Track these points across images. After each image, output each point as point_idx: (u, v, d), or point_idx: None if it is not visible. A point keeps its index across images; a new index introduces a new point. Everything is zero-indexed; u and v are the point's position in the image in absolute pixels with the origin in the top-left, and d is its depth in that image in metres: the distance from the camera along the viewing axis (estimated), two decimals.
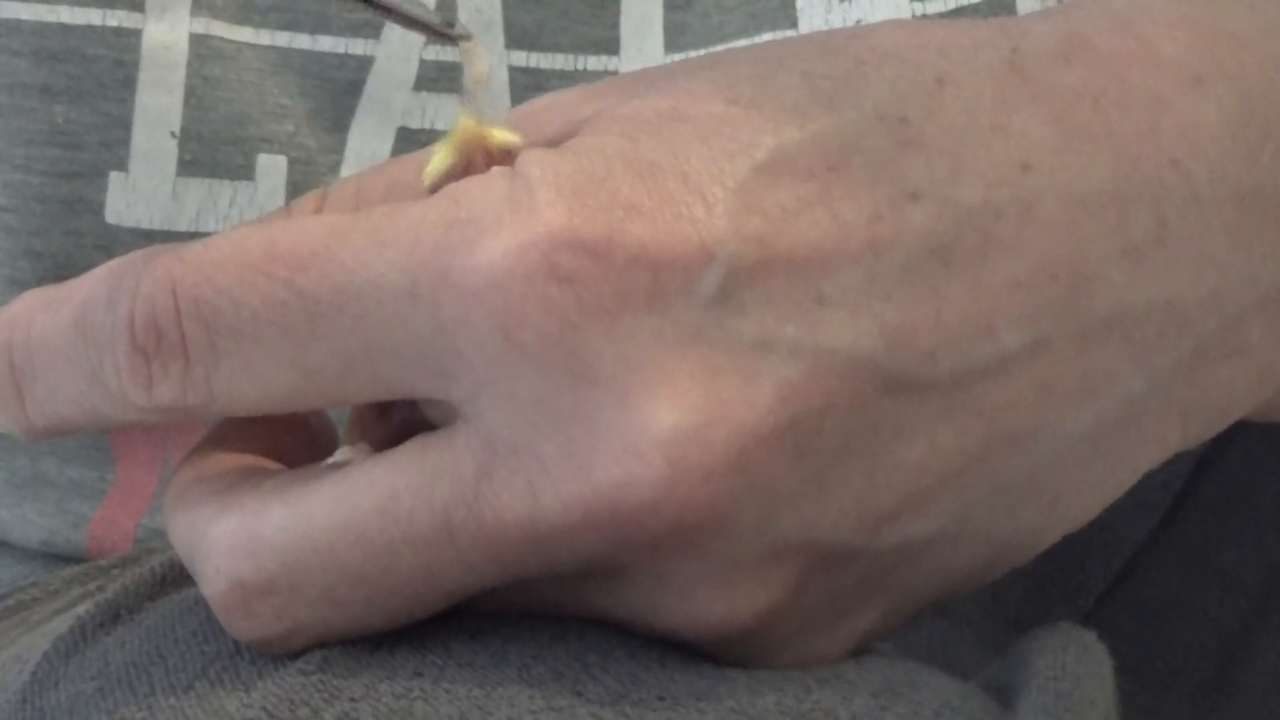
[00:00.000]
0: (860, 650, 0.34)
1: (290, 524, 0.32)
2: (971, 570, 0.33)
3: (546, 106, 0.34)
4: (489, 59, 0.33)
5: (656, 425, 0.30)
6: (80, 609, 0.37)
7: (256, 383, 0.32)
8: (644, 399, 0.30)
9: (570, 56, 0.45)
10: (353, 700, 0.31)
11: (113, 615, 0.36)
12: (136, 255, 0.33)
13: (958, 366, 0.31)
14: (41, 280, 0.45)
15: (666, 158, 0.31)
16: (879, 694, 0.31)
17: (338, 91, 0.45)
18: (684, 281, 0.30)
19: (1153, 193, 0.32)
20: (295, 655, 0.33)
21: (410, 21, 0.33)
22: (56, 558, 0.48)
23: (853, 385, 0.31)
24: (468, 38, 0.33)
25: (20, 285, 0.45)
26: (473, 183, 0.31)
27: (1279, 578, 0.52)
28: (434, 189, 0.33)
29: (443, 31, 0.33)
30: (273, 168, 0.45)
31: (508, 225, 0.30)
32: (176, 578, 0.37)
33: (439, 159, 0.33)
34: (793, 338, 0.31)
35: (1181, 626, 0.53)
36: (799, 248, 0.31)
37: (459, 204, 0.31)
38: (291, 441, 0.36)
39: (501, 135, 0.33)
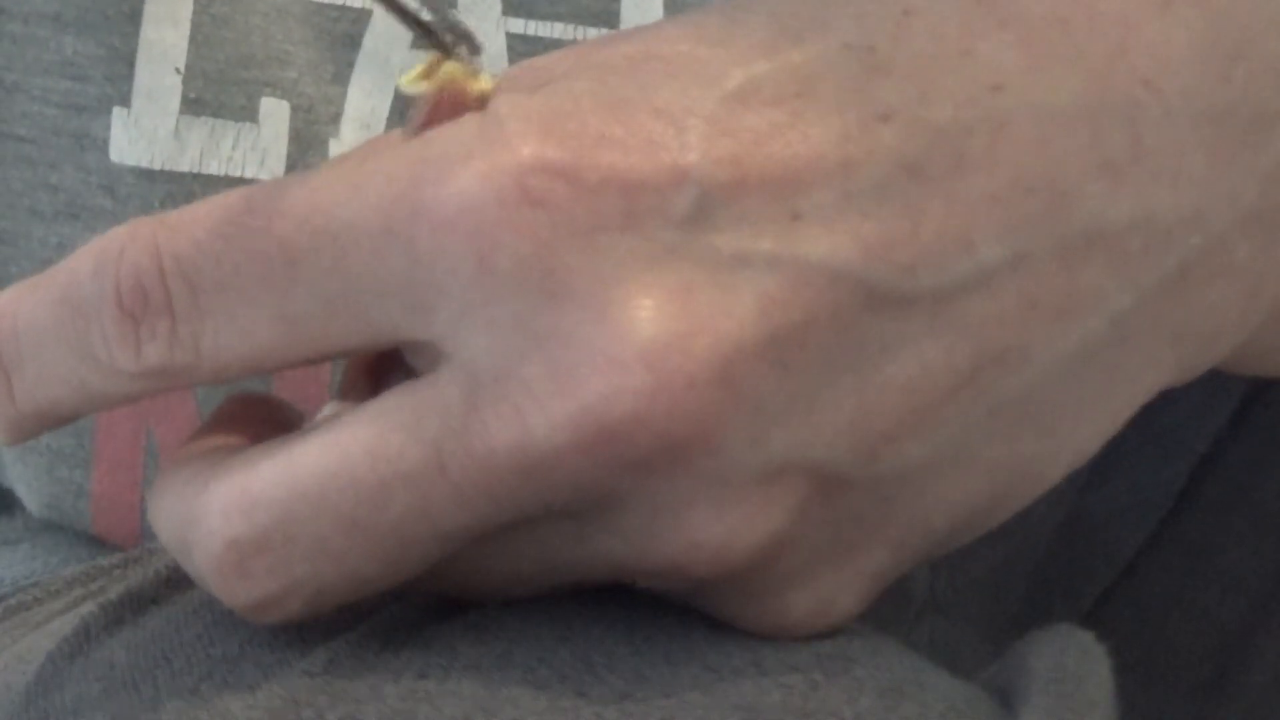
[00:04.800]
0: (874, 594, 0.34)
1: (280, 476, 0.32)
2: (976, 503, 0.34)
3: (524, 68, 0.35)
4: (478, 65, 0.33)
5: (636, 336, 0.30)
6: (84, 609, 0.37)
7: (242, 335, 0.32)
8: (622, 312, 0.30)
9: (569, 26, 0.45)
10: (357, 702, 0.32)
11: (117, 617, 0.36)
12: (119, 228, 0.33)
13: (939, 281, 0.32)
14: (59, 215, 0.45)
15: (637, 93, 0.31)
16: (885, 693, 0.31)
17: (337, 44, 0.45)
18: (658, 201, 0.31)
19: (1126, 110, 0.33)
20: (300, 655, 0.33)
21: (413, 21, 0.33)
22: (64, 531, 0.48)
23: (833, 298, 0.31)
24: (461, 49, 0.33)
25: (40, 218, 0.45)
26: (444, 126, 0.32)
27: (1279, 577, 0.52)
28: (410, 108, 0.33)
29: (442, 40, 0.33)
30: (276, 111, 0.45)
31: (478, 156, 0.31)
32: (181, 579, 0.37)
33: (416, 79, 0.33)
34: (770, 251, 0.31)
35: (1181, 626, 0.53)
36: (771, 167, 0.31)
37: (430, 143, 0.31)
38: (273, 436, 0.36)
39: (482, 82, 0.33)
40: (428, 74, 0.33)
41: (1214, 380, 0.37)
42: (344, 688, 0.32)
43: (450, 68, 0.33)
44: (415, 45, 0.46)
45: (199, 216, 0.32)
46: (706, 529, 0.31)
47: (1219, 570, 0.53)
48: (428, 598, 0.34)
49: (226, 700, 0.32)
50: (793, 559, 0.32)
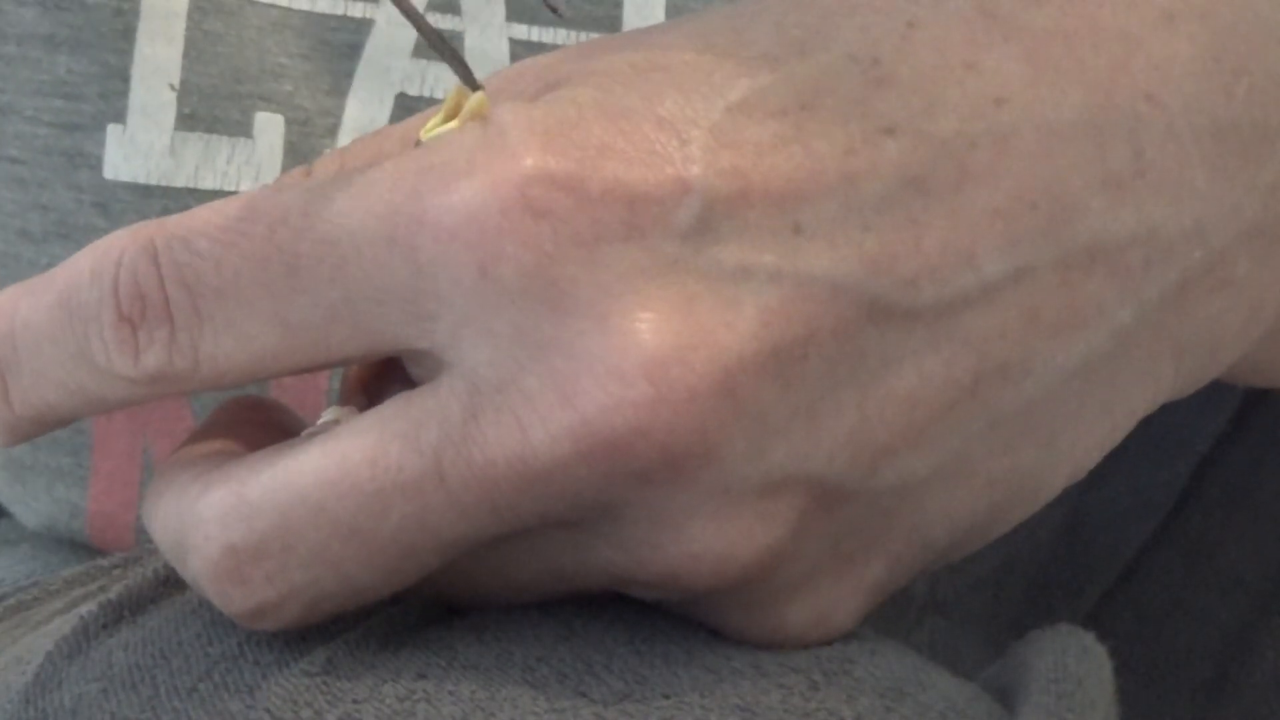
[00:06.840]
0: (872, 606, 0.34)
1: (279, 483, 0.32)
2: (975, 516, 0.34)
3: (525, 68, 0.35)
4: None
5: (638, 348, 0.30)
6: (83, 609, 0.37)
7: (241, 342, 0.32)
8: (624, 324, 0.30)
9: (572, 33, 0.45)
10: (356, 702, 0.32)
11: (116, 616, 0.36)
12: (120, 232, 0.33)
13: (941, 294, 0.32)
14: (50, 235, 0.45)
15: (640, 103, 0.31)
16: (885, 693, 0.31)
17: (336, 55, 0.45)
18: (660, 213, 0.31)
19: (1128, 125, 0.33)
20: (299, 655, 0.33)
21: (450, 57, 0.33)
22: (61, 542, 0.48)
23: (835, 311, 0.31)
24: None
25: (30, 239, 0.45)
26: (447, 134, 0.32)
27: (1279, 578, 0.52)
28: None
29: (470, 80, 0.33)
30: (271, 126, 0.45)
31: (481, 166, 0.31)
32: (179, 579, 0.37)
33: (435, 127, 0.33)
34: (772, 265, 0.31)
35: (1182, 626, 0.53)
36: (774, 180, 0.31)
37: (433, 152, 0.31)
38: (271, 441, 0.36)
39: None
40: (447, 120, 0.33)
41: (1214, 382, 0.37)
42: (343, 687, 0.32)
43: (479, 99, 0.33)
44: (417, 54, 0.46)
45: (199, 222, 0.32)
46: (706, 541, 0.31)
47: (1219, 570, 0.53)
48: (427, 599, 0.34)
49: (225, 699, 0.32)
50: (792, 571, 0.32)
